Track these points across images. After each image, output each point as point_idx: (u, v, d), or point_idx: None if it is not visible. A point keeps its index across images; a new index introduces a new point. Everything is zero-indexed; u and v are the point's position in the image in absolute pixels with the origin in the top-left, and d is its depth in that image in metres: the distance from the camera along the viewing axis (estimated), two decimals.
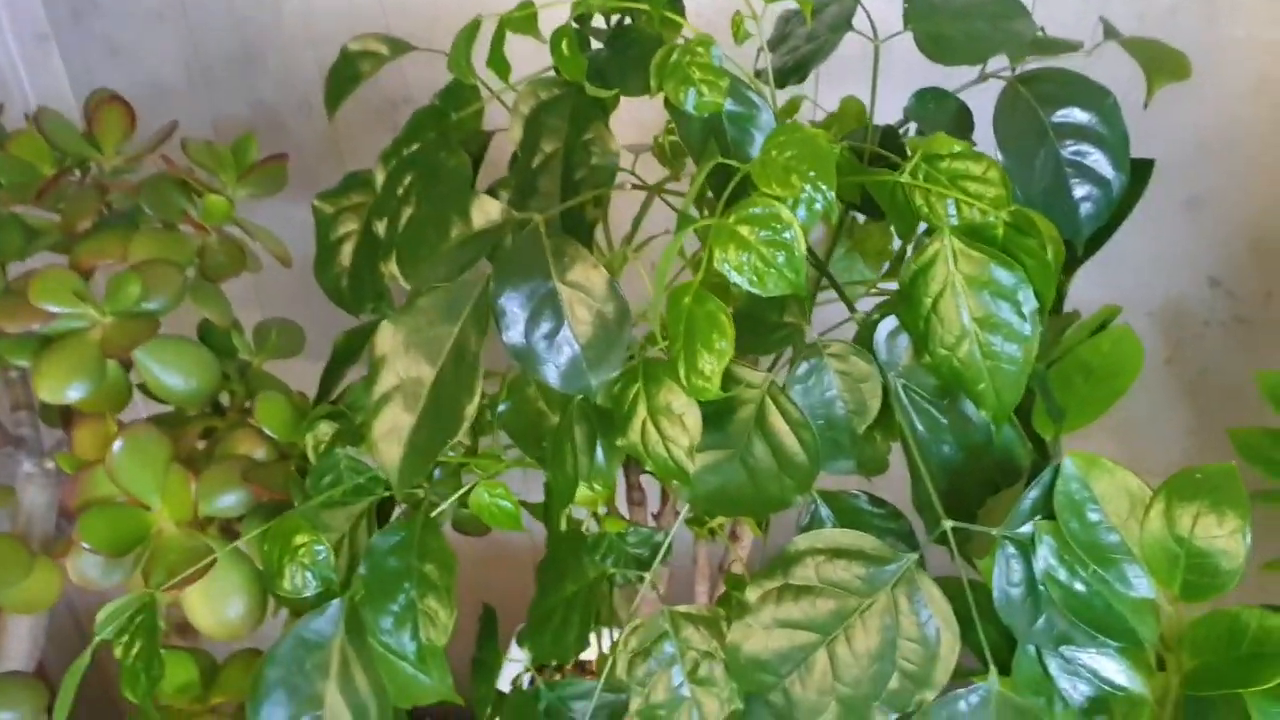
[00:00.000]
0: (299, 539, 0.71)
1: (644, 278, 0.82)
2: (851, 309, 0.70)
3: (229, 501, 0.82)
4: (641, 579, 0.77)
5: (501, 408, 0.76)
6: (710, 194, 0.69)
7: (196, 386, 0.92)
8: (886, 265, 0.84)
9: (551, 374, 0.63)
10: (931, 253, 0.63)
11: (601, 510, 0.81)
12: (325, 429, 0.81)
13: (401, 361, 0.65)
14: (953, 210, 0.64)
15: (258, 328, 1.06)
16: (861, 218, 0.85)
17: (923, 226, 0.67)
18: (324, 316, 0.99)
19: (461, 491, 0.78)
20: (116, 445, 0.79)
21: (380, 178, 0.80)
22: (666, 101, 0.68)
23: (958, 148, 0.64)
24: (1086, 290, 0.88)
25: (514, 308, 0.63)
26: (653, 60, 0.69)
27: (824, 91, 0.89)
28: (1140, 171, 0.76)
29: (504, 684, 0.89)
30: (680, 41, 0.69)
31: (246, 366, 1.04)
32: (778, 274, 0.59)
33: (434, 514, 0.77)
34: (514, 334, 0.63)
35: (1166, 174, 1.10)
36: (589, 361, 0.63)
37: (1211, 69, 1.03)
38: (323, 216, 0.85)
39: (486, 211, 0.66)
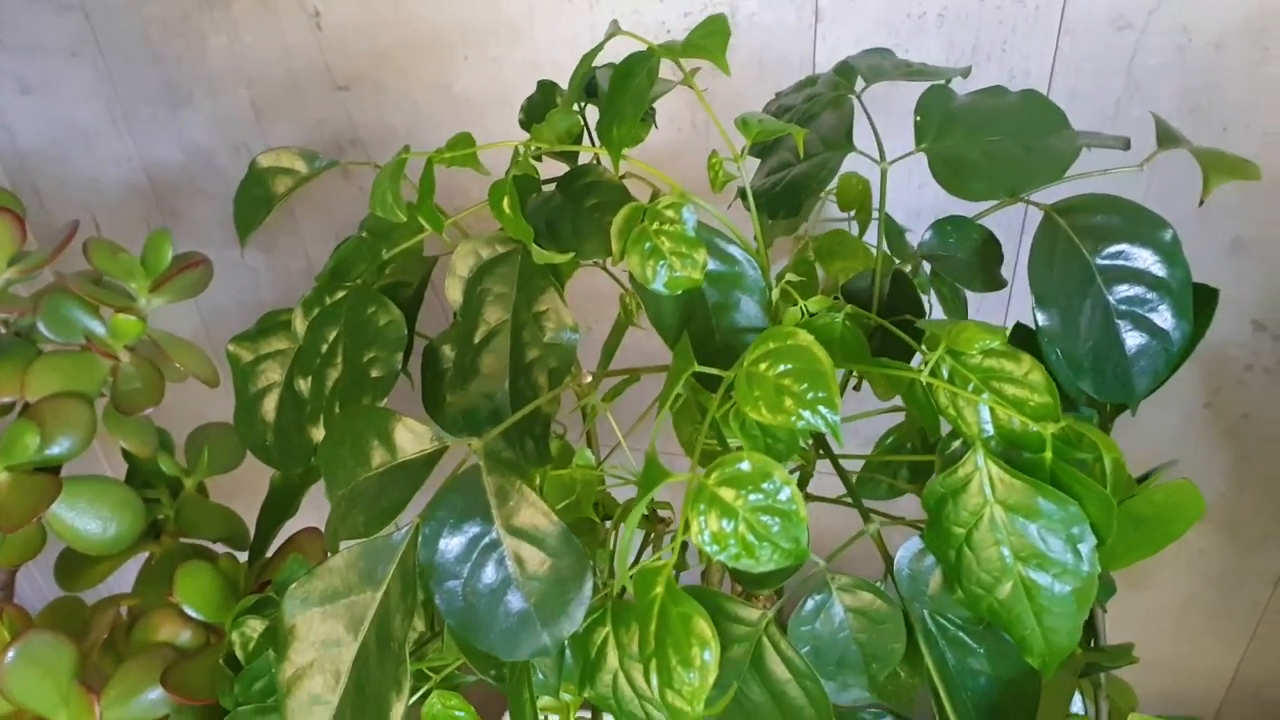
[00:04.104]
0: None
1: (614, 427, 0.70)
2: (866, 518, 0.58)
3: (146, 704, 0.71)
4: None
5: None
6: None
7: (117, 531, 0.81)
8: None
9: (498, 641, 0.52)
10: (963, 476, 0.51)
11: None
12: (254, 625, 0.69)
13: (317, 630, 0.53)
14: (986, 416, 0.52)
15: (190, 439, 0.95)
16: None
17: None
18: None
19: (413, 699, 0.67)
20: (9, 656, 0.68)
21: (301, 328, 0.68)
22: (630, 275, 0.56)
23: (991, 342, 0.51)
24: None
25: (448, 561, 0.51)
26: (613, 222, 0.56)
27: None
28: (1203, 301, 0.64)
29: None
30: (646, 198, 0.56)
31: (180, 486, 0.93)
32: (772, 546, 0.46)
33: None
34: (450, 596, 0.52)
35: (1211, 216, 0.99)
36: (543, 619, 0.52)
37: (1258, 106, 0.90)
38: (240, 365, 0.72)
39: (414, 438, 0.53)
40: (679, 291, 0.55)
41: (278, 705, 0.68)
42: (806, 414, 0.48)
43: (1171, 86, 0.91)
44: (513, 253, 0.61)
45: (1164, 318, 0.60)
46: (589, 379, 0.64)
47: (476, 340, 0.61)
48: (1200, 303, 0.63)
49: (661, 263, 0.55)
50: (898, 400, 0.74)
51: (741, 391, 0.50)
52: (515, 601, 0.51)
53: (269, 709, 0.68)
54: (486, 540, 0.51)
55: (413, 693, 0.67)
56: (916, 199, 0.96)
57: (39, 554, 0.84)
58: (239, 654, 0.70)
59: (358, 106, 1.13)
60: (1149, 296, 0.60)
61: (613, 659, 0.55)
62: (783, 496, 0.46)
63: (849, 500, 0.62)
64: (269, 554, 0.83)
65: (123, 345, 0.84)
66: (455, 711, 0.66)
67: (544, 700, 0.64)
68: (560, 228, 0.60)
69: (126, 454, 0.91)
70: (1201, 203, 0.66)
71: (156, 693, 0.71)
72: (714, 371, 0.52)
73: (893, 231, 0.73)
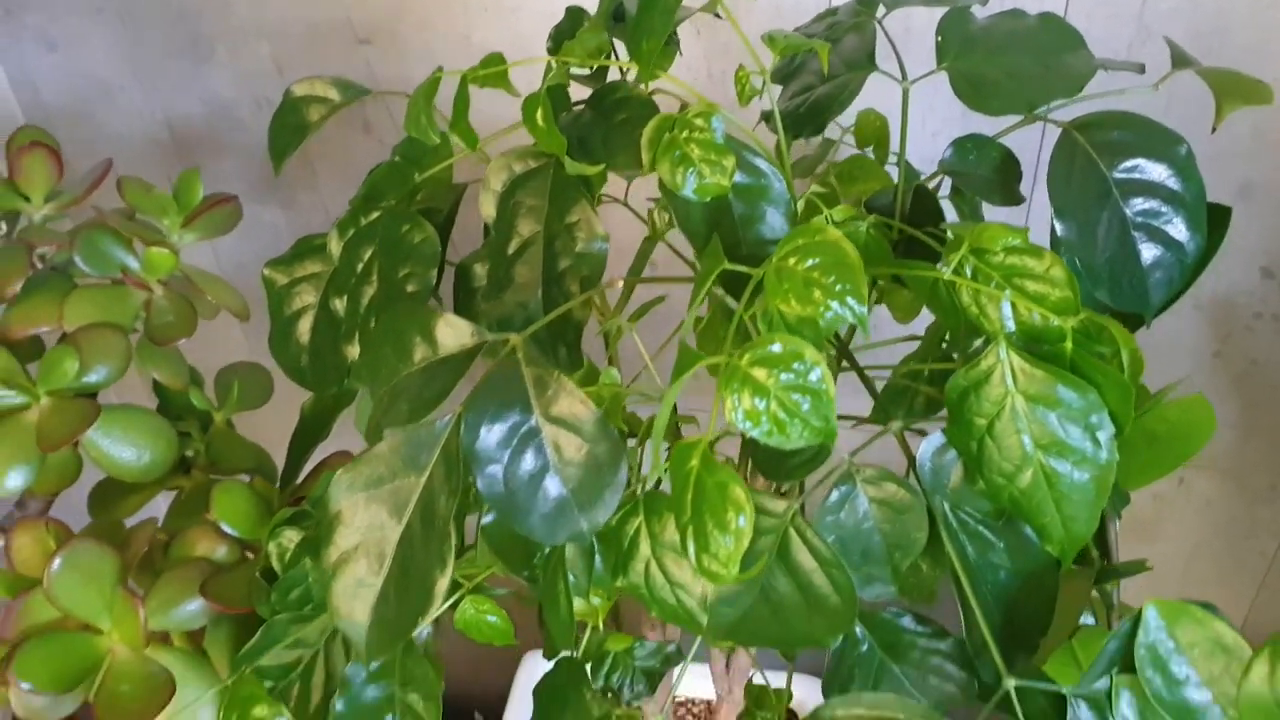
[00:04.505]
0: (258, 711, 0.62)
1: (640, 347, 0.72)
2: (886, 417, 0.60)
3: (186, 614, 0.73)
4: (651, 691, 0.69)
5: (486, 519, 0.67)
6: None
7: (151, 459, 0.83)
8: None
9: (536, 524, 0.54)
10: (985, 368, 0.53)
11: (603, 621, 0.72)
12: (290, 535, 0.71)
13: (362, 515, 0.55)
14: (1008, 312, 0.54)
15: (220, 376, 0.96)
16: None
17: None
18: None
19: (445, 605, 0.69)
20: (55, 564, 0.70)
21: (336, 249, 0.70)
22: (661, 182, 0.58)
23: (1013, 239, 0.53)
24: None
25: (489, 449, 0.53)
26: (643, 132, 0.58)
27: None
28: (1216, 220, 0.65)
29: None
30: (676, 108, 0.58)
31: (210, 421, 0.95)
32: (803, 424, 0.48)
33: (415, 632, 0.68)
34: (491, 480, 0.54)
35: (1219, 162, 1.00)
36: (580, 504, 0.53)
37: (1268, 51, 0.92)
38: (275, 289, 0.74)
39: (455, 332, 0.55)
40: (708, 199, 0.57)
41: (314, 614, 0.70)
42: (835, 305, 0.50)
43: (1182, 30, 0.93)
44: (545, 167, 0.63)
45: (1179, 230, 0.62)
46: (619, 286, 0.66)
47: (510, 252, 0.63)
48: (1214, 221, 0.65)
49: (691, 170, 0.57)
50: (914, 328, 0.76)
51: (771, 285, 0.52)
52: (554, 488, 0.53)
53: (305, 617, 0.70)
54: (526, 428, 0.53)
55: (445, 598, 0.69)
56: (931, 147, 0.98)
57: (74, 483, 0.86)
58: (275, 564, 0.72)
59: (379, 59, 1.15)
60: (1164, 210, 0.62)
61: (645, 548, 0.57)
62: (813, 377, 0.48)
63: (870, 419, 0.64)
64: (299, 480, 0.85)
65: (156, 279, 0.86)
66: (488, 616, 0.68)
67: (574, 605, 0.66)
68: (591, 143, 0.62)
69: (158, 389, 0.93)
70: (1214, 129, 0.68)
71: (195, 604, 0.73)
72: (743, 269, 0.54)
73: (910, 169, 0.75)
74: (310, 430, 0.83)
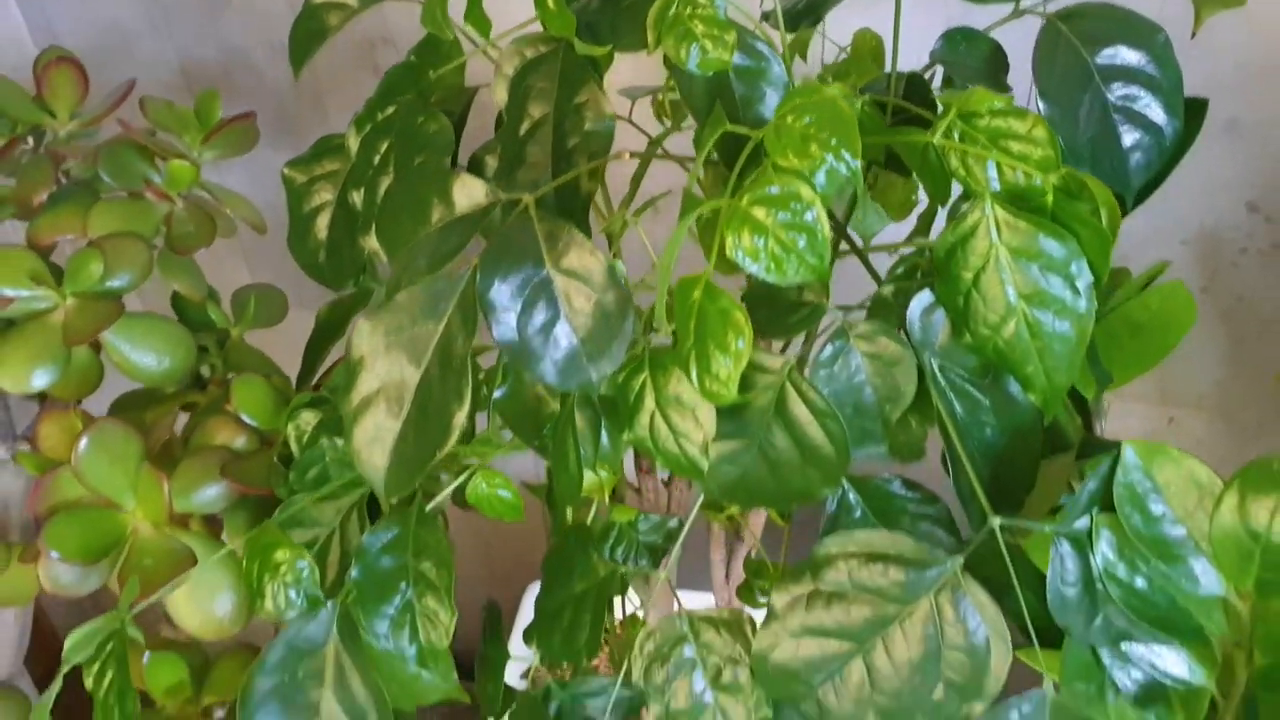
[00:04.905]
0: (280, 555, 0.65)
1: (645, 241, 0.75)
2: (878, 281, 0.63)
3: (207, 497, 0.76)
4: (654, 567, 0.72)
5: (498, 393, 0.70)
6: (717, 157, 0.62)
7: (170, 365, 0.86)
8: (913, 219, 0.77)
9: (548, 370, 0.57)
10: (971, 223, 0.57)
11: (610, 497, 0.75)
12: (308, 417, 0.74)
13: (382, 362, 0.58)
14: (994, 174, 0.57)
15: (236, 295, 1.00)
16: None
17: (957, 189, 0.60)
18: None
19: (458, 481, 0.72)
20: (82, 444, 0.73)
21: (354, 144, 0.73)
22: (666, 59, 0.61)
23: (998, 103, 0.57)
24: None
25: (504, 300, 0.57)
26: (649, 11, 0.61)
27: (832, 21, 0.81)
28: (1193, 111, 0.69)
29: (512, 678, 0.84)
30: None
31: (225, 337, 0.98)
32: (798, 260, 0.52)
33: (429, 507, 0.71)
34: (505, 328, 0.57)
35: (1207, 96, 1.03)
36: (589, 354, 0.57)
37: None
38: (294, 187, 0.78)
39: (470, 192, 0.59)
40: (710, 73, 0.61)
41: (332, 493, 0.73)
42: (830, 158, 0.53)
43: None
44: (554, 51, 0.66)
45: (1157, 114, 0.65)
46: (626, 157, 0.69)
47: (521, 133, 0.66)
48: (1191, 112, 0.69)
49: (694, 44, 0.60)
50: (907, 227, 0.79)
51: (770, 142, 0.55)
52: (564, 336, 0.56)
53: (323, 497, 0.73)
54: (538, 279, 0.56)
55: (456, 475, 0.73)
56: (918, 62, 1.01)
57: (96, 389, 0.89)
58: (294, 446, 0.75)
59: (391, 4, 1.18)
60: (1142, 94, 0.65)
61: (649, 401, 0.60)
62: (809, 216, 0.52)
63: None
64: (315, 382, 0.88)
65: (177, 192, 0.89)
66: (499, 490, 0.71)
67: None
68: (599, 27, 0.65)
69: (176, 305, 0.96)
70: (1194, 34, 0.72)
71: (215, 489, 0.77)
72: (744, 131, 0.57)
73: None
74: (326, 333, 0.87)
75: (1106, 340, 0.76)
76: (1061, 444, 0.70)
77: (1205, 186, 1.09)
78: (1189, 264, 1.16)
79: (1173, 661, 0.62)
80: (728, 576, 0.94)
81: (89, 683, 0.64)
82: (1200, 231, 1.13)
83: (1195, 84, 1.01)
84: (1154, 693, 0.65)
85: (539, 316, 0.57)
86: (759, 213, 0.52)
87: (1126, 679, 0.65)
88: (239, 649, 0.86)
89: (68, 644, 0.64)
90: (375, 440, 0.58)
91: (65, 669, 0.64)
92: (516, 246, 0.57)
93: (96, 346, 0.87)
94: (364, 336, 0.58)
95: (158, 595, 0.71)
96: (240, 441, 0.80)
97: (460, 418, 0.55)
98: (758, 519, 0.83)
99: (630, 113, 0.85)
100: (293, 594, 0.66)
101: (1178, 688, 0.65)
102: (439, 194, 0.59)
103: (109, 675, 0.64)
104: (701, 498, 0.68)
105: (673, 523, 0.72)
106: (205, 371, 0.98)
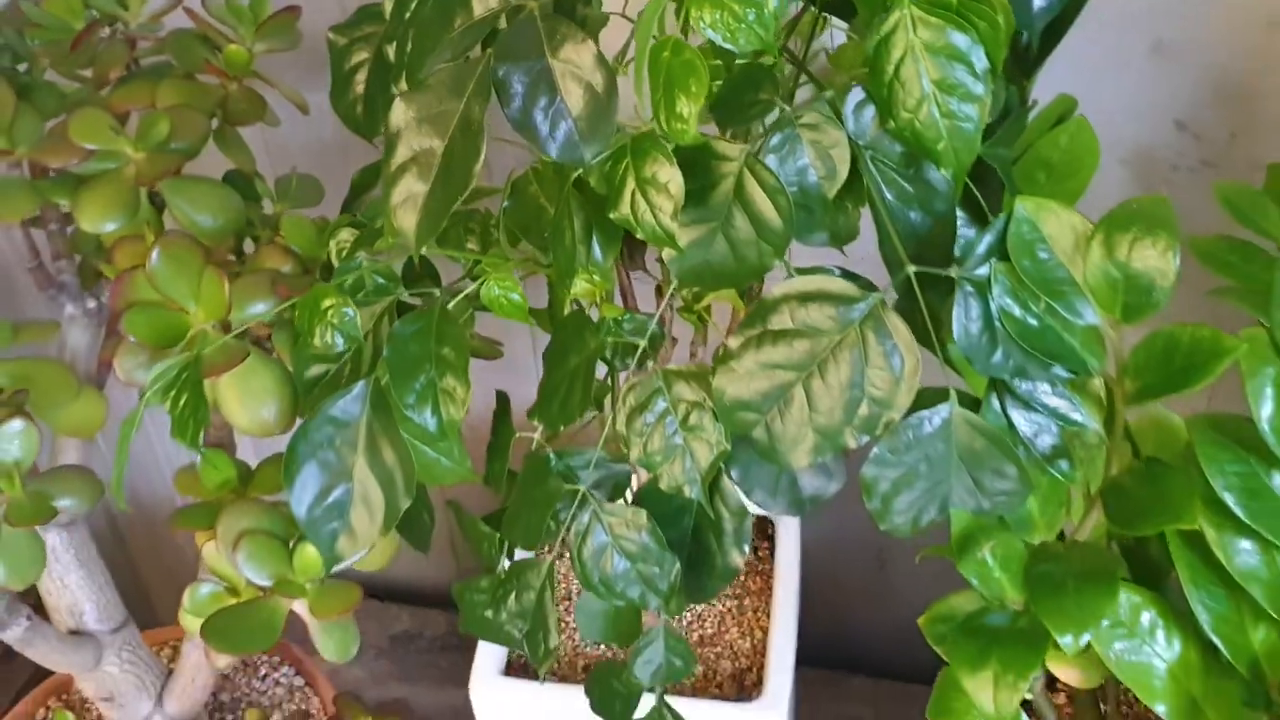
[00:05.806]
0: (328, 302, 0.78)
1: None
2: (821, 87, 0.76)
3: (260, 308, 0.89)
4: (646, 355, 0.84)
5: (505, 204, 0.83)
6: None
7: (223, 224, 0.99)
8: None
9: (550, 146, 0.70)
10: (893, 21, 0.70)
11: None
12: (346, 235, 0.88)
13: (414, 136, 0.72)
14: None
15: (278, 180, 1.13)
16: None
17: None
18: (336, 176, 1.08)
19: (473, 287, 0.85)
20: (154, 254, 0.87)
21: (389, 6, 0.87)
22: None
23: None
24: None
25: (514, 84, 0.70)
26: None
27: None
28: None
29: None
30: None
31: (268, 218, 1.12)
32: (748, 29, 0.65)
33: (450, 305, 0.84)
34: (515, 109, 0.70)
35: (1133, 20, 1.17)
36: (582, 133, 0.70)
37: None
38: (337, 48, 0.92)
39: (485, 1, 0.73)
40: None
41: (365, 300, 0.86)
42: None
43: None
44: None
45: None
46: None
47: None
48: None
49: None
50: None
51: None
52: (564, 124, 0.70)
53: (361, 302, 0.86)
54: (540, 68, 0.70)
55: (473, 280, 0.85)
56: None
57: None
58: (333, 258, 0.88)
59: None
60: None
61: (630, 184, 0.73)
62: None
63: None
64: None
65: (234, 74, 1.03)
66: (510, 294, 0.84)
67: (578, 286, 0.82)
68: None
69: (227, 181, 1.10)
70: None
71: (265, 304, 0.90)
72: None
73: None
74: (360, 191, 1.00)
75: (1024, 179, 0.90)
76: None
77: (1136, 107, 1.22)
78: (1128, 182, 1.28)
79: (1068, 408, 0.75)
80: None
81: (168, 405, 0.77)
82: (1134, 151, 1.26)
83: (1121, 10, 1.15)
84: (1059, 450, 0.78)
85: (542, 99, 0.70)
86: None
87: (1035, 437, 0.77)
88: (278, 456, 0.98)
89: (149, 387, 0.77)
90: (407, 201, 0.72)
91: (144, 406, 0.77)
92: (523, 41, 0.70)
93: (160, 206, 1.01)
94: (399, 112, 0.72)
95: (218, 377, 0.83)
96: (288, 267, 0.93)
97: (477, 167, 0.69)
98: (722, 319, 0.95)
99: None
100: (338, 335, 0.79)
101: (1077, 441, 0.77)
102: (460, 4, 0.73)
103: (184, 397, 0.77)
104: (678, 300, 0.81)
105: (653, 325, 0.85)
106: (248, 247, 1.11)
